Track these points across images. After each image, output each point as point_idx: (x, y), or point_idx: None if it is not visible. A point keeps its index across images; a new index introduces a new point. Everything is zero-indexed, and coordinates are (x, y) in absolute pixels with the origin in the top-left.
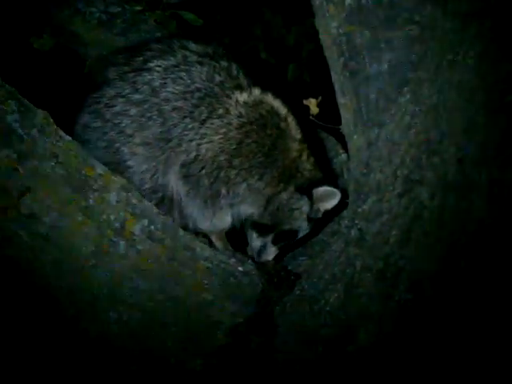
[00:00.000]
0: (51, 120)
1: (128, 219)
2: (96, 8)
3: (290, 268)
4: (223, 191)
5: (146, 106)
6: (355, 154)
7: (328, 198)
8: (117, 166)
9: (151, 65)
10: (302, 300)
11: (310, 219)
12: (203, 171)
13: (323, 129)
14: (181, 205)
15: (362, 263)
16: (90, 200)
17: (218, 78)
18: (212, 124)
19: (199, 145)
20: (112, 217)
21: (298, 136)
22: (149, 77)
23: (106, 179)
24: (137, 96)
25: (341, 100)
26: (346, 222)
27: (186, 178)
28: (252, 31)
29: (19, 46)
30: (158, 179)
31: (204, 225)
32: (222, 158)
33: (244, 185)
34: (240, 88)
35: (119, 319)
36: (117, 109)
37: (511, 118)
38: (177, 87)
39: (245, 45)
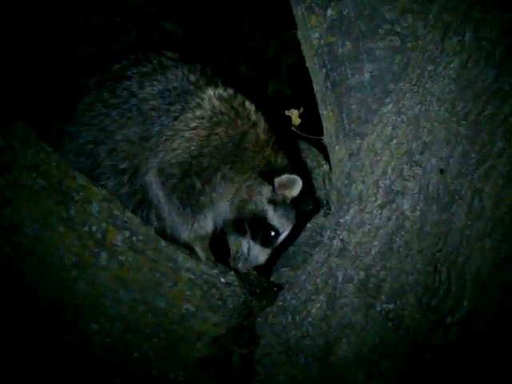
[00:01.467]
0: (32, 131)
1: (110, 230)
2: (77, 19)
3: (272, 279)
4: (198, 185)
5: (125, 107)
6: (337, 165)
7: (291, 184)
8: (89, 173)
9: (128, 72)
10: (285, 311)
11: (275, 204)
12: (177, 166)
13: (305, 139)
14: (159, 207)
15: (344, 274)
16: (72, 211)
17: (192, 77)
18: (185, 118)
19: (173, 141)
20: (94, 228)
21: (267, 128)
22: (127, 83)
23: (87, 190)
24: (116, 100)
25: (323, 111)
26: (329, 232)
27: (162, 177)
28: (232, 43)
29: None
30: (138, 180)
31: (185, 232)
32: (193, 148)
33: (218, 175)
34: (214, 84)
35: (101, 330)
36: (95, 112)
37: (492, 129)
38: (154, 88)
39: (225, 57)
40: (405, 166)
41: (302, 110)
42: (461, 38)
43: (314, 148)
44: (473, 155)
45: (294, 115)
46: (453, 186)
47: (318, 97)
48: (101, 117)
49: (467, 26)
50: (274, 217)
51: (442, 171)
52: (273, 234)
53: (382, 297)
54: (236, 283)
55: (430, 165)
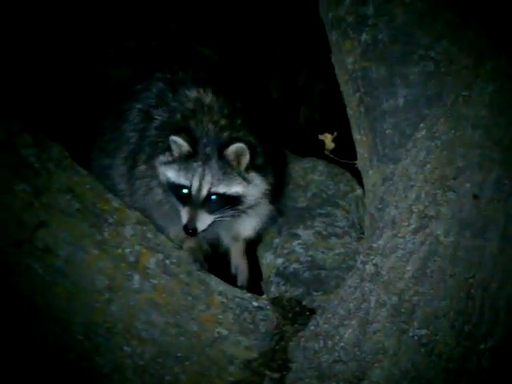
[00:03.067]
0: (67, 153)
1: (143, 253)
2: (113, 43)
3: (304, 303)
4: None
5: (125, 127)
6: (370, 190)
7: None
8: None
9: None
10: (317, 335)
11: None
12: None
13: (339, 164)
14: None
15: (376, 299)
16: (105, 234)
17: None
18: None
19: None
20: (127, 250)
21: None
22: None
23: (121, 213)
24: (120, 123)
25: (356, 135)
26: (362, 257)
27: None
28: (264, 70)
29: (35, 79)
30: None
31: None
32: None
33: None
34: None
35: (133, 353)
36: (106, 137)
37: None
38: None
39: (257, 83)
40: (438, 191)
41: (335, 134)
42: (495, 63)
43: (347, 172)
44: (506, 181)
45: (328, 139)
46: (486, 211)
47: (352, 121)
48: (109, 142)
49: (502, 52)
50: (173, 174)
51: (475, 196)
52: (185, 191)
53: (415, 322)
54: (268, 307)
55: (464, 190)
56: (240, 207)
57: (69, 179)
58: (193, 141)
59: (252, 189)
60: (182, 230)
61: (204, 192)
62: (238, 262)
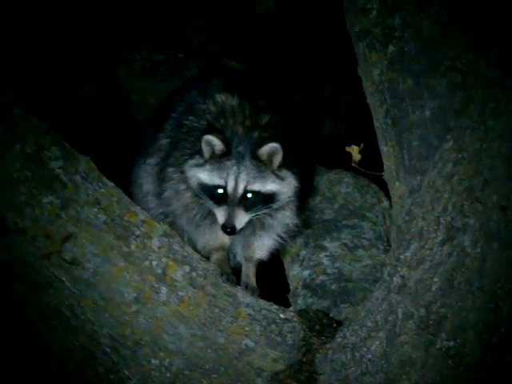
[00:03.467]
0: (94, 166)
1: (170, 265)
2: (140, 55)
3: (331, 315)
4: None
5: (160, 136)
6: (397, 201)
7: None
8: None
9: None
10: (344, 347)
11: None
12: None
13: (365, 176)
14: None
15: (404, 311)
16: (132, 246)
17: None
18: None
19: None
20: (154, 263)
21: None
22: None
23: (148, 225)
24: (156, 133)
25: (383, 147)
26: (389, 269)
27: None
28: (289, 82)
29: (63, 92)
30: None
31: (198, 241)
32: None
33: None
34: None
35: (161, 365)
36: (144, 147)
37: None
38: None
39: (282, 95)
40: (465, 203)
41: (362, 146)
42: None
43: (374, 184)
44: None
45: (355, 151)
46: None
47: (379, 133)
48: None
49: None
50: (206, 176)
51: (503, 208)
52: (220, 191)
53: (443, 334)
54: (295, 319)
55: (491, 201)
56: (274, 205)
57: (96, 191)
58: (226, 140)
59: (285, 186)
60: (220, 230)
61: (240, 190)
62: (248, 280)
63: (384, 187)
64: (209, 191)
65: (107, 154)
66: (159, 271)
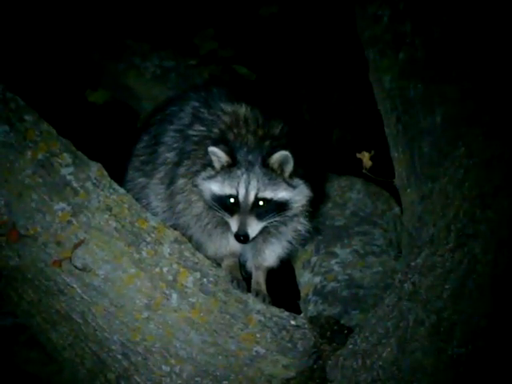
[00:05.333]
0: (105, 172)
1: (181, 272)
2: (151, 62)
3: (342, 322)
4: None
5: (162, 149)
6: (408, 208)
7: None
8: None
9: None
10: (355, 354)
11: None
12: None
13: (376, 182)
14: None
15: (415, 317)
16: (143, 252)
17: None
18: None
19: None
20: (165, 269)
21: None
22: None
23: (159, 232)
24: (155, 146)
25: (394, 153)
26: (400, 275)
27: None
28: (297, 91)
29: (74, 99)
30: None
31: (209, 248)
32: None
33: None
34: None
35: (171, 372)
36: (142, 159)
37: None
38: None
39: (289, 103)
40: (477, 210)
41: (373, 152)
42: None
43: (385, 191)
44: None
45: (365, 158)
46: None
47: (390, 139)
48: (145, 163)
49: None
50: (217, 187)
51: None
52: (232, 201)
53: (454, 341)
54: (306, 326)
55: (502, 208)
56: (287, 213)
57: (107, 198)
58: (231, 151)
59: (297, 194)
60: (233, 239)
61: (251, 197)
62: (259, 287)
63: (395, 194)
64: (221, 201)
65: (118, 161)
66: (170, 278)
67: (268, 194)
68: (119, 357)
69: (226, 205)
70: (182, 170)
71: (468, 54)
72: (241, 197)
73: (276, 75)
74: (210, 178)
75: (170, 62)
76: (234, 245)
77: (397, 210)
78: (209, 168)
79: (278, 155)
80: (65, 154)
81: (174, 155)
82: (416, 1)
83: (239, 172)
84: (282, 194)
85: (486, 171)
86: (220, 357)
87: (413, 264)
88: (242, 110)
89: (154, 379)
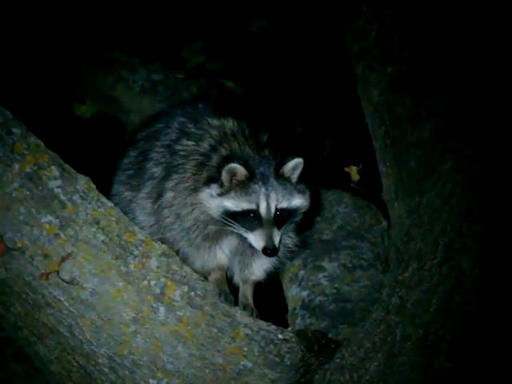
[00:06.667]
0: (93, 185)
1: (168, 285)
2: (139, 75)
3: (329, 336)
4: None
5: (149, 165)
6: (396, 222)
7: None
8: None
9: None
10: (343, 368)
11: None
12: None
13: (364, 196)
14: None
15: (402, 331)
16: (131, 266)
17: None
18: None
19: None
20: (152, 283)
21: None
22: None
23: (146, 245)
24: (142, 162)
25: (382, 168)
26: (387, 289)
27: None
28: (289, 105)
29: (61, 112)
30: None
31: (196, 261)
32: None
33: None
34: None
35: None
36: (128, 173)
37: None
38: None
39: (280, 118)
40: (464, 224)
41: (360, 166)
42: None
43: (372, 205)
44: None
45: (353, 172)
46: None
47: (378, 154)
48: (132, 177)
49: None
50: (232, 203)
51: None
52: (251, 215)
53: (441, 355)
54: (294, 339)
55: (490, 222)
56: (296, 219)
57: (95, 211)
58: (246, 163)
59: (305, 200)
60: (221, 252)
61: (273, 210)
62: (246, 301)
63: (383, 208)
64: (237, 218)
65: (106, 174)
66: (158, 291)
67: (285, 203)
68: (106, 370)
69: (243, 220)
70: (170, 183)
71: (456, 69)
72: (262, 211)
73: (266, 89)
74: (221, 195)
75: (158, 75)
76: (221, 258)
77: (384, 224)
78: (213, 185)
79: (293, 163)
80: (52, 167)
81: (161, 170)
82: (404, 16)
83: (256, 186)
84: (295, 201)
85: (474, 185)
86: (207, 370)
87: (400, 278)
88: (229, 123)
89: None
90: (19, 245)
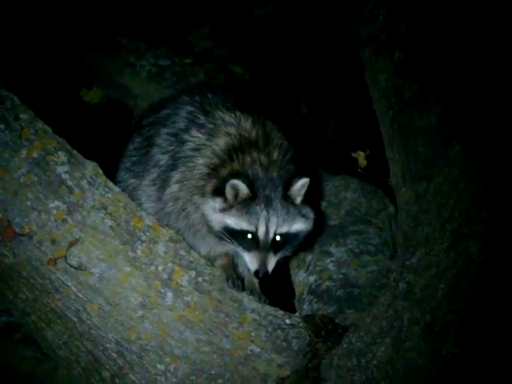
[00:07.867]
0: (100, 171)
1: (176, 270)
2: (146, 61)
3: (337, 321)
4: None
5: (154, 151)
6: (403, 207)
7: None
8: None
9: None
10: (350, 353)
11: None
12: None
13: (371, 181)
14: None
15: (409, 317)
16: (138, 251)
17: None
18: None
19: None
20: (160, 268)
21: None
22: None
23: (154, 230)
24: (148, 147)
25: (389, 153)
26: (395, 275)
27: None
28: (295, 86)
29: (69, 98)
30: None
31: (202, 248)
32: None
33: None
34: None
35: (166, 370)
36: (134, 159)
37: None
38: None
39: (287, 100)
40: (472, 209)
41: (368, 151)
42: None
43: (380, 190)
44: None
45: (361, 157)
46: None
47: (385, 139)
48: (136, 163)
49: None
50: (233, 221)
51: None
52: (249, 236)
53: (449, 340)
54: (301, 325)
55: (497, 208)
56: (296, 242)
57: (102, 197)
58: (251, 184)
59: (308, 223)
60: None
61: (271, 235)
62: (253, 286)
63: (390, 193)
64: (236, 236)
65: (113, 160)
66: (165, 276)
67: (285, 228)
68: (114, 355)
69: (241, 240)
70: (176, 175)
71: (463, 53)
72: (260, 234)
73: (272, 72)
74: (223, 210)
75: (165, 61)
76: (226, 245)
77: (392, 209)
78: (218, 199)
79: (300, 184)
80: (60, 153)
81: (168, 158)
82: (411, 1)
83: (258, 208)
84: (296, 226)
85: (482, 171)
86: (215, 355)
87: (408, 263)
88: (245, 123)
89: (149, 378)
90: (27, 230)
